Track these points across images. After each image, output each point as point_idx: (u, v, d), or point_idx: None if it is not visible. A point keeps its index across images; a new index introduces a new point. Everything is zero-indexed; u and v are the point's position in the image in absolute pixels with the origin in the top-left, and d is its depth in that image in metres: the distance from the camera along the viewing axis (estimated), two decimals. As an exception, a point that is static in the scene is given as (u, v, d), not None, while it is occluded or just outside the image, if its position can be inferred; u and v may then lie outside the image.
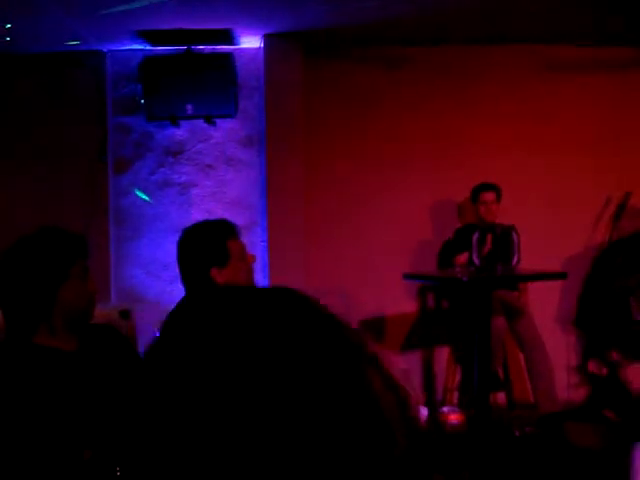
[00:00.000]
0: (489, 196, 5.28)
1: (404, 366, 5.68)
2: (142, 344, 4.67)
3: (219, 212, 5.40)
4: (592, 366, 5.14)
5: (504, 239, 4.38)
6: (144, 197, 5.56)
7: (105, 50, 5.55)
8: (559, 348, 5.44)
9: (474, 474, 2.08)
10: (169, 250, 4.92)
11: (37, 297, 2.22)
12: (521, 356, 5.31)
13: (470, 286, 4.47)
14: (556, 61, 5.77)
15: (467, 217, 5.66)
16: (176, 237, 3.02)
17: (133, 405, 0.61)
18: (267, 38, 5.41)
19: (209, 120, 5.52)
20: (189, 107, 5.34)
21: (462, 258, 5.03)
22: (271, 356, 0.58)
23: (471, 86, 5.75)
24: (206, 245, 2.89)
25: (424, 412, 2.38)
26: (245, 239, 3.10)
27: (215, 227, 2.97)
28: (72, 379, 2.24)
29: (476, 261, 4.33)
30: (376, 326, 5.69)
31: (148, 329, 4.85)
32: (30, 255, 2.25)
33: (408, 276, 4.92)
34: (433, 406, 5.30)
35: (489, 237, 4.54)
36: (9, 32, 4.91)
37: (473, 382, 4.45)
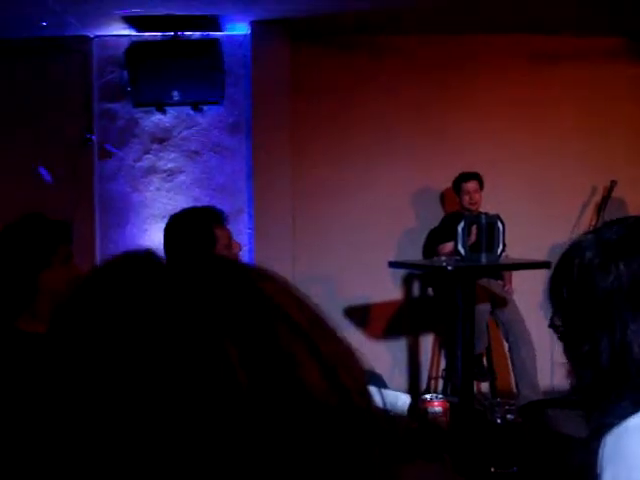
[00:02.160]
0: (471, 185, 5.29)
1: (389, 355, 5.71)
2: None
3: (205, 199, 5.39)
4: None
5: (489, 228, 4.40)
6: None
7: (91, 35, 5.51)
8: (543, 337, 5.47)
9: (455, 459, 2.10)
10: (155, 237, 4.92)
11: (19, 283, 2.23)
12: (505, 345, 5.35)
13: (455, 275, 4.49)
14: (540, 51, 5.78)
15: (450, 205, 5.68)
16: (162, 224, 3.02)
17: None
18: (254, 25, 5.40)
19: (196, 107, 5.50)
20: (175, 93, 5.32)
21: (447, 247, 5.04)
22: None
23: (455, 75, 5.76)
24: (193, 231, 2.89)
25: (407, 400, 2.40)
26: (231, 226, 3.11)
27: (202, 214, 2.97)
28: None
29: (461, 250, 4.35)
30: (362, 313, 5.71)
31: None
32: (12, 242, 2.26)
33: (393, 264, 4.93)
34: (417, 393, 5.33)
35: (474, 229, 4.55)
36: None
37: (457, 370, 4.48)
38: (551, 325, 1.33)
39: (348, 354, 0.56)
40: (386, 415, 0.58)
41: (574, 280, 1.28)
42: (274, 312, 0.54)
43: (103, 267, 0.58)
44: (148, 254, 0.60)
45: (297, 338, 0.53)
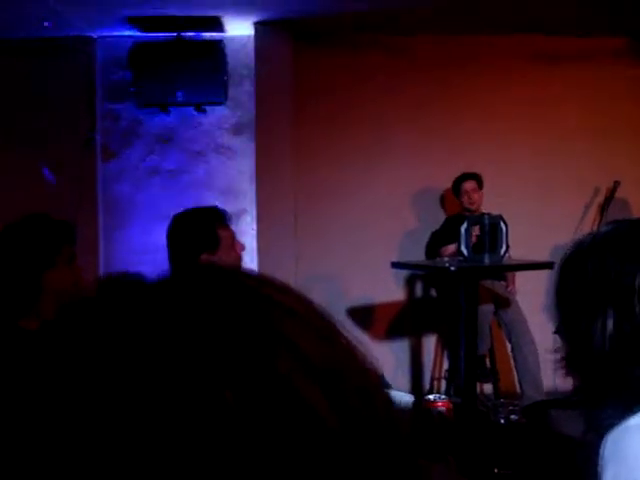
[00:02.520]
0: (469, 185, 5.29)
1: (392, 355, 5.71)
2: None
3: (209, 200, 5.39)
4: None
5: (492, 229, 4.40)
6: None
7: (95, 36, 5.52)
8: (546, 337, 5.47)
9: (459, 460, 2.10)
10: (158, 237, 4.91)
11: (23, 283, 2.24)
12: (508, 346, 5.35)
13: (458, 275, 4.48)
14: (542, 51, 5.78)
15: (451, 206, 5.68)
16: (165, 224, 3.02)
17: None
18: (257, 26, 5.40)
19: (199, 107, 5.51)
20: (179, 94, 5.33)
21: (450, 249, 5.04)
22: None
23: (457, 75, 5.75)
24: (196, 231, 2.89)
25: (410, 400, 2.41)
26: (235, 227, 3.11)
27: (205, 213, 2.97)
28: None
29: (464, 251, 4.35)
30: (364, 314, 5.71)
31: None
32: (16, 242, 2.27)
33: (396, 265, 4.93)
34: (420, 394, 5.33)
35: (476, 228, 4.55)
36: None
37: (460, 371, 4.47)
38: (557, 332, 1.34)
39: (353, 361, 0.52)
40: (400, 426, 0.53)
41: (557, 280, 1.31)
42: (271, 330, 0.49)
43: (94, 293, 0.53)
44: (135, 277, 0.54)
45: (295, 357, 0.49)
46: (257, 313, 0.50)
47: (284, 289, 0.54)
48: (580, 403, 1.28)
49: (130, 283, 0.53)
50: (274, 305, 0.52)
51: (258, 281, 0.55)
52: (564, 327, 1.29)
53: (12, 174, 5.41)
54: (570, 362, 1.29)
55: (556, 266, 1.34)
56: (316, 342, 0.51)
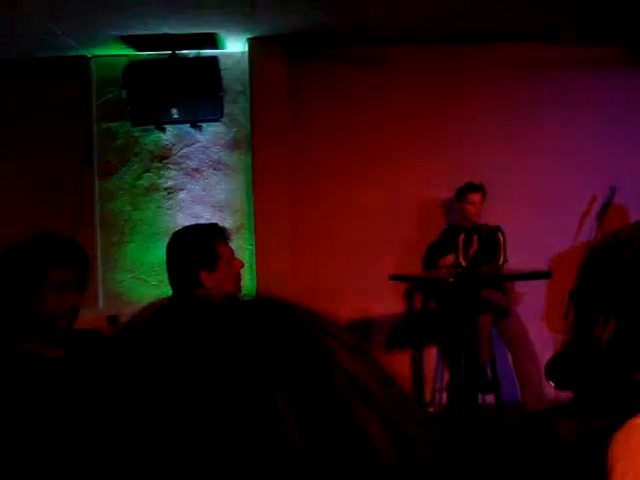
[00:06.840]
0: (476, 197, 5.29)
1: (392, 368, 5.69)
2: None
3: (206, 216, 5.41)
4: None
5: (490, 240, 4.41)
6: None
7: (90, 56, 5.54)
8: (546, 347, 5.48)
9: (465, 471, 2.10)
10: (156, 255, 4.93)
11: (12, 310, 2.25)
12: (509, 356, 5.34)
13: (456, 286, 4.49)
14: (540, 60, 5.80)
15: (451, 216, 5.68)
16: (163, 242, 3.02)
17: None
18: (251, 42, 5.42)
19: (195, 124, 5.52)
20: (174, 112, 5.34)
21: (448, 260, 5.05)
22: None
23: (455, 86, 5.77)
24: (196, 247, 2.88)
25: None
26: (232, 243, 3.11)
27: (205, 230, 2.97)
28: (57, 386, 2.25)
29: (462, 262, 4.36)
30: (364, 327, 5.70)
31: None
32: (8, 265, 2.28)
33: (395, 277, 4.93)
34: (421, 406, 5.32)
35: (475, 238, 4.56)
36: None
37: (461, 382, 4.47)
38: (572, 297, 1.36)
39: (406, 400, 0.54)
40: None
41: (585, 258, 1.33)
42: (329, 361, 0.50)
43: (156, 311, 0.54)
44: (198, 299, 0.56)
45: (355, 389, 0.50)
46: (316, 341, 0.52)
47: (338, 327, 0.57)
48: (582, 409, 1.29)
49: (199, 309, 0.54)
50: (327, 334, 0.55)
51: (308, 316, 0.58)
52: (577, 307, 1.31)
53: (10, 192, 5.42)
54: (574, 343, 1.31)
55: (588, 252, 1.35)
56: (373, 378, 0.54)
